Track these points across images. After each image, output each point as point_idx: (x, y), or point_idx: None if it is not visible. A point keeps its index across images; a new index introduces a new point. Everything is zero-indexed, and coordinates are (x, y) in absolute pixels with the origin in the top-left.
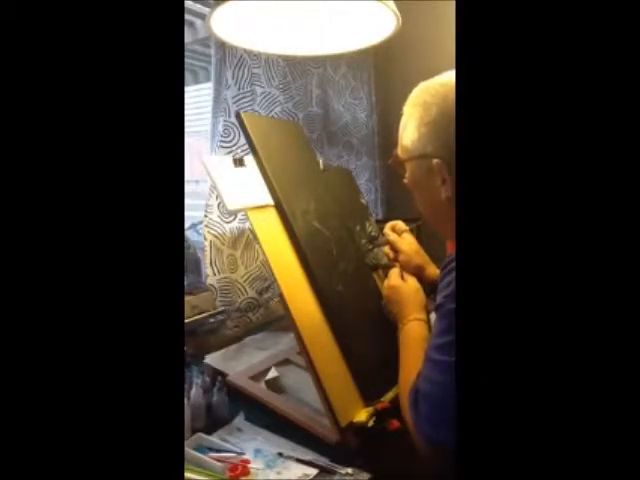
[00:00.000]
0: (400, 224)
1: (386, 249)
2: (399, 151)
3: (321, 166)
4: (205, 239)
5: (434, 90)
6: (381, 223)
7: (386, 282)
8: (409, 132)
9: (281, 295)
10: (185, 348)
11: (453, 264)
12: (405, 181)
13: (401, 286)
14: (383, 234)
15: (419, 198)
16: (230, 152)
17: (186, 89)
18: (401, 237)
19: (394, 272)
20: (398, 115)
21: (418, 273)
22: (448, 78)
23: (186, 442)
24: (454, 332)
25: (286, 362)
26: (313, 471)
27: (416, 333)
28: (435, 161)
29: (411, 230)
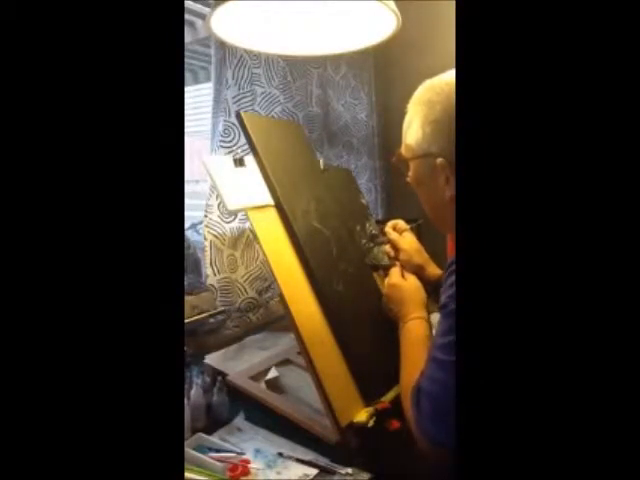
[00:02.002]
0: (401, 223)
1: (387, 247)
2: (403, 149)
3: (321, 166)
4: (205, 239)
5: (439, 88)
6: (381, 223)
7: (387, 280)
8: (413, 131)
9: (281, 295)
10: (185, 348)
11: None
12: (408, 179)
13: (402, 284)
14: (384, 233)
15: (422, 197)
16: (230, 152)
17: (186, 89)
18: (402, 236)
19: (395, 271)
20: (398, 115)
21: (419, 272)
22: (453, 76)
23: (186, 442)
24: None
25: (286, 362)
26: (313, 471)
27: (417, 332)
28: (439, 160)
29: (412, 229)
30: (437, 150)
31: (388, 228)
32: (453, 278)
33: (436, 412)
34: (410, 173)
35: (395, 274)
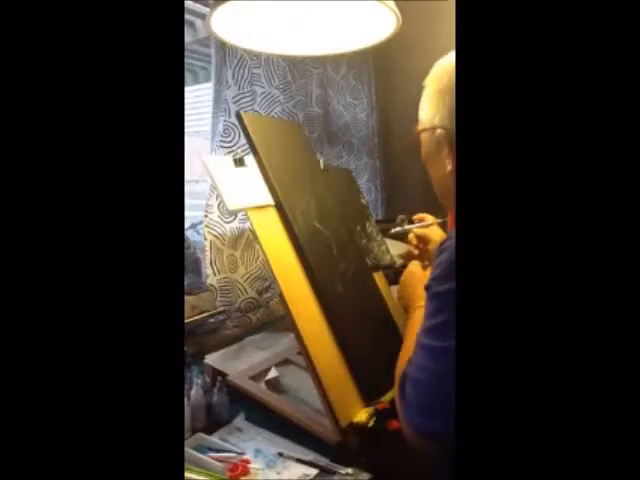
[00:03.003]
0: (428, 216)
1: (411, 236)
2: (418, 126)
3: (321, 166)
4: (205, 239)
5: (452, 69)
6: (381, 223)
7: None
8: (425, 105)
9: (281, 295)
10: (185, 348)
11: (445, 244)
12: (422, 159)
13: (418, 272)
14: (412, 221)
15: (430, 173)
16: (230, 152)
17: (186, 89)
18: (430, 228)
19: (415, 262)
20: (398, 115)
21: None
22: None
23: (186, 442)
24: (442, 315)
25: (286, 362)
26: (313, 471)
27: (420, 320)
28: (438, 131)
29: (439, 224)
30: (442, 122)
31: (417, 218)
32: (439, 259)
33: (421, 399)
34: (422, 149)
35: (415, 264)
